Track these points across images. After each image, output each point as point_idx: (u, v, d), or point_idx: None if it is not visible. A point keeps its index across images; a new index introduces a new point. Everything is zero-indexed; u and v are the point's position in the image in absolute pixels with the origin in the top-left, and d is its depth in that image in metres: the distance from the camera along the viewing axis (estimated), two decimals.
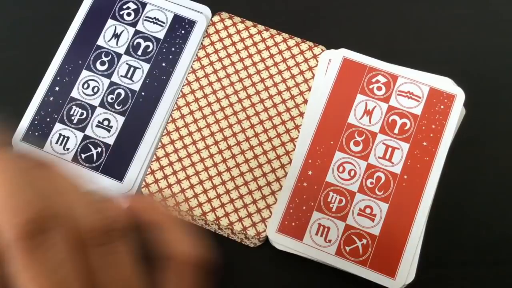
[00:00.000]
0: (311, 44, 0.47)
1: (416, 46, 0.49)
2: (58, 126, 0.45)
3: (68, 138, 0.45)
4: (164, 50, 0.47)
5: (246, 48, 0.47)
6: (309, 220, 0.43)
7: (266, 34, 0.48)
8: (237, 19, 0.48)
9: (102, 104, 0.46)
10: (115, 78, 0.46)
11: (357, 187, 0.43)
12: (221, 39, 0.47)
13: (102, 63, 0.47)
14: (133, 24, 0.48)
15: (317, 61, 0.47)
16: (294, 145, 0.45)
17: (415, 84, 0.45)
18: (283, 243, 0.43)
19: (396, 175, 0.43)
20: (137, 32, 0.47)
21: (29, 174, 0.24)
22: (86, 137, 0.45)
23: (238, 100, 0.46)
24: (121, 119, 0.45)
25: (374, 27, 0.49)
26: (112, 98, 0.46)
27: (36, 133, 0.45)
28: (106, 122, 0.45)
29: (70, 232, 0.23)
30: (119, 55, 0.47)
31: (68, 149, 0.45)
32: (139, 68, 0.47)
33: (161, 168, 0.45)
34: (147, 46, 0.47)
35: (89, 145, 0.45)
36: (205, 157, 0.45)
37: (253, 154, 0.45)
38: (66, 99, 0.46)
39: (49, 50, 0.47)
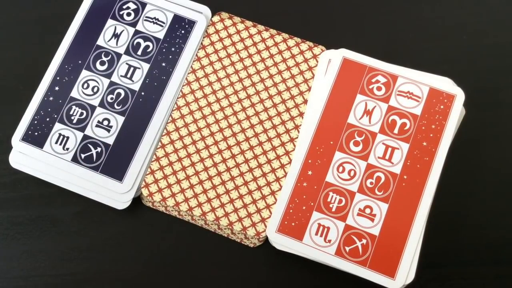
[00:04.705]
0: (311, 44, 0.47)
1: (416, 46, 0.49)
2: (57, 126, 0.45)
3: (67, 138, 0.45)
4: (164, 50, 0.47)
5: (246, 48, 0.47)
6: (308, 220, 0.43)
7: (266, 34, 0.48)
8: (237, 19, 0.48)
9: (102, 104, 0.46)
10: (115, 78, 0.46)
11: (356, 187, 0.43)
12: (221, 39, 0.47)
13: (102, 63, 0.47)
14: (133, 24, 0.48)
15: (317, 61, 0.47)
16: (294, 145, 0.45)
17: (415, 84, 0.45)
18: (283, 243, 0.43)
19: (396, 175, 0.43)
20: (137, 32, 0.47)
21: None
22: (85, 137, 0.45)
23: (238, 100, 0.46)
24: (121, 119, 0.45)
25: (374, 27, 0.49)
26: (112, 98, 0.46)
27: (36, 133, 0.45)
28: (106, 122, 0.45)
29: None
30: (119, 55, 0.47)
31: (67, 149, 0.45)
32: (139, 68, 0.47)
33: (161, 168, 0.44)
34: (147, 46, 0.47)
35: (88, 145, 0.45)
36: (205, 157, 0.45)
37: (252, 154, 0.45)
38: (66, 99, 0.46)
39: (49, 50, 0.47)
